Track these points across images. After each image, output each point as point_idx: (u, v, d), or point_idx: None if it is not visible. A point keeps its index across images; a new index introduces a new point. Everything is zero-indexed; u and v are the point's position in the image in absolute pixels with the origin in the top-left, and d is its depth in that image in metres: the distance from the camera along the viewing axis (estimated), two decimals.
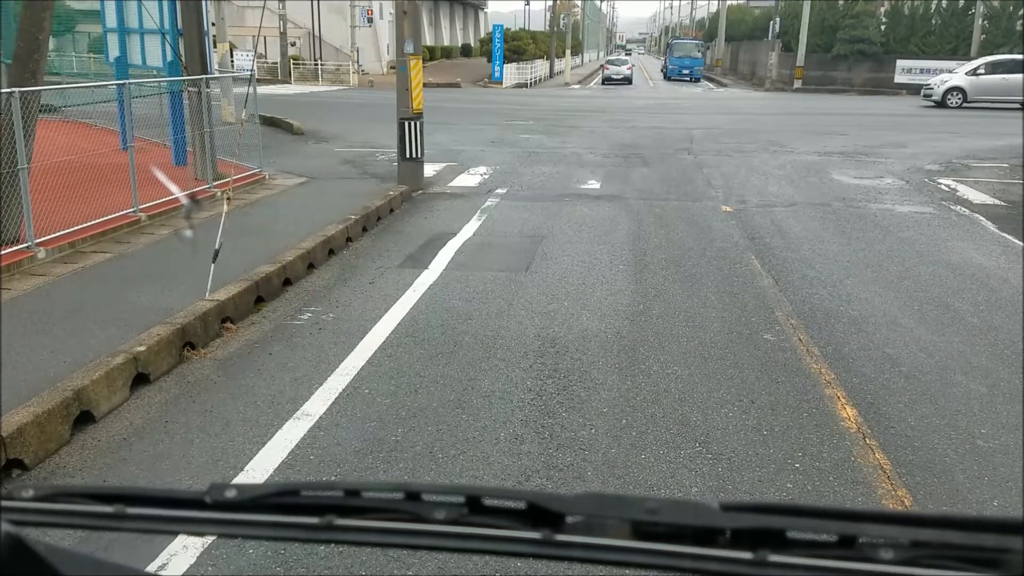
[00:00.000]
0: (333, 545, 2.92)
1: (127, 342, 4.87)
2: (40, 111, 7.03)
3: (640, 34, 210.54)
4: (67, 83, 12.32)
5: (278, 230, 8.07)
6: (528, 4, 69.77)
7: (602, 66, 54.07)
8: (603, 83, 46.06)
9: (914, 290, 6.85)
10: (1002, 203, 10.94)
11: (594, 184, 11.95)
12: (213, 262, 5.86)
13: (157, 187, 7.86)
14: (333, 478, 3.76)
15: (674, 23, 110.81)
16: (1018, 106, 26.46)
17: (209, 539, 3.15)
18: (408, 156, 11.01)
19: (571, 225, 9.19)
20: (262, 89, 18.77)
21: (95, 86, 10.58)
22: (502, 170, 13.01)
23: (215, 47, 16.63)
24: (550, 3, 54.63)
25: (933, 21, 36.65)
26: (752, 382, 4.88)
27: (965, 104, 27.63)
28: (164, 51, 10.86)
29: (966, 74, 28.28)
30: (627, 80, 45.82)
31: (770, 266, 7.55)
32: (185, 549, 3.11)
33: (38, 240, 6.74)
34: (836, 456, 3.99)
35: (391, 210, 9.91)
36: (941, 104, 27.96)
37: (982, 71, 28.10)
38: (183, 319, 5.27)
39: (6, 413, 3.84)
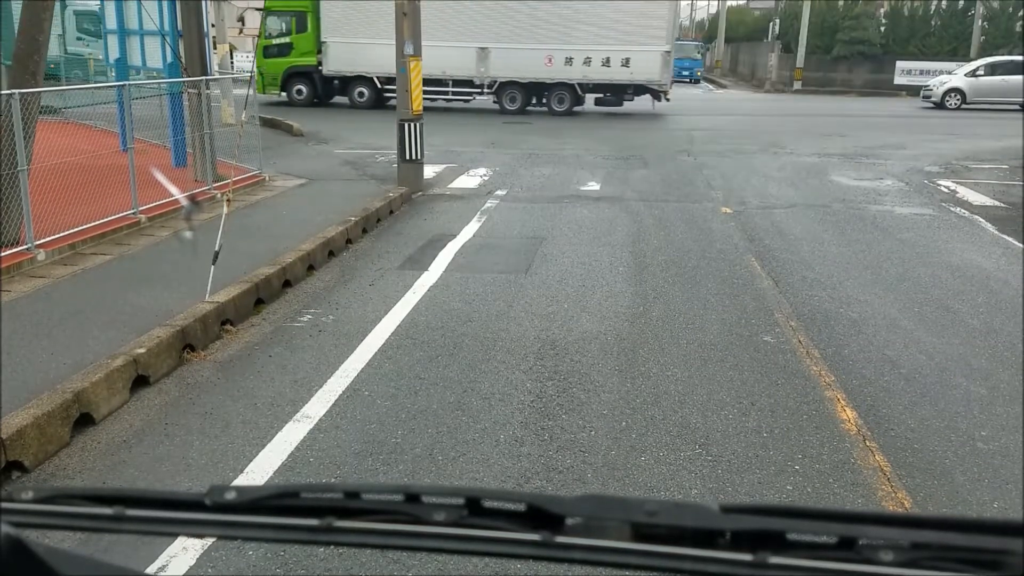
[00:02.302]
0: (333, 547, 2.92)
1: (127, 344, 4.87)
2: (40, 112, 7.03)
3: None
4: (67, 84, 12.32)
5: (278, 232, 8.07)
6: None
7: None
8: None
9: (914, 292, 6.85)
10: (1002, 205, 10.94)
11: (594, 185, 11.95)
12: (213, 264, 5.86)
13: (157, 188, 7.86)
14: (333, 480, 3.76)
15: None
16: (1017, 108, 26.46)
17: (209, 541, 3.15)
18: (408, 158, 11.01)
19: (571, 227, 9.19)
20: None
21: (95, 87, 10.58)
22: (502, 171, 13.01)
23: (215, 48, 16.61)
24: None
25: (933, 22, 36.63)
26: (752, 384, 4.88)
27: (964, 106, 27.59)
28: (164, 52, 10.86)
29: (965, 75, 28.24)
30: None
31: (770, 268, 7.54)
32: (185, 551, 3.11)
33: (38, 242, 6.74)
34: (836, 458, 3.99)
35: (391, 212, 9.91)
36: (940, 105, 27.91)
37: (981, 72, 28.06)
38: (183, 321, 5.27)
39: (6, 415, 3.84)
